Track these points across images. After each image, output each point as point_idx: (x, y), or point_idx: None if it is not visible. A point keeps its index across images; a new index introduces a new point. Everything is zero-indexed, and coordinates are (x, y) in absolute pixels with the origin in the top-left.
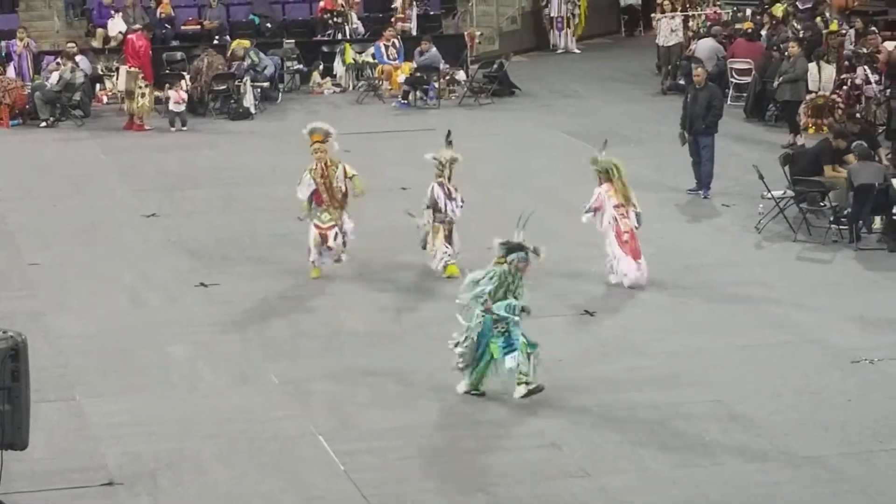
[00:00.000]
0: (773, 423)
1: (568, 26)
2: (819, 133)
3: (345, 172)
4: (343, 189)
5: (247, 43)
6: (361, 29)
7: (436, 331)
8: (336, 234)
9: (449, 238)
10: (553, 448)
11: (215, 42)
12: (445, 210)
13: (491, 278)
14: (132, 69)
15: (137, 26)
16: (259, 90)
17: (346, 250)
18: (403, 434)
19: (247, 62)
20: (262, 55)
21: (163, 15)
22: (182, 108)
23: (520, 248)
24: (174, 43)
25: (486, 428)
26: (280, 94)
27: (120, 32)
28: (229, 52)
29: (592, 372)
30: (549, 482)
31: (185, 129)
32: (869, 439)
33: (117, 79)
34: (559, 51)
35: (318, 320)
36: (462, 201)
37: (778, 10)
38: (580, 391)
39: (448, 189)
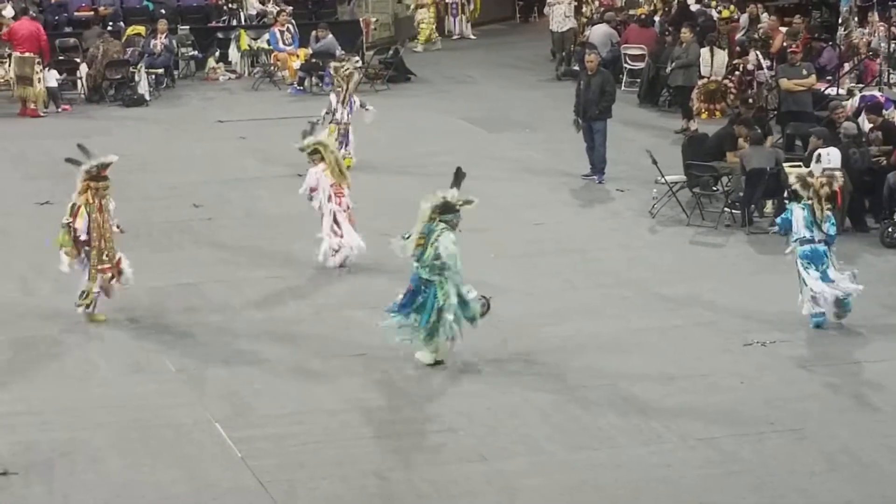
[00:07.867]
0: (666, 406)
1: (463, 12)
2: (711, 118)
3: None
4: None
5: (141, 29)
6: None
7: (329, 317)
8: (112, 275)
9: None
10: (450, 432)
11: (109, 28)
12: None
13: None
14: (27, 54)
15: (32, 13)
16: (154, 77)
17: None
18: (299, 420)
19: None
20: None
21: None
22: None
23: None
24: (67, 29)
25: (381, 413)
26: (175, 81)
27: (12, 19)
28: (124, 39)
29: (486, 357)
30: (445, 467)
31: (59, 110)
32: (760, 421)
33: (9, 65)
34: (455, 37)
35: (213, 307)
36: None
37: None
38: (476, 377)
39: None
